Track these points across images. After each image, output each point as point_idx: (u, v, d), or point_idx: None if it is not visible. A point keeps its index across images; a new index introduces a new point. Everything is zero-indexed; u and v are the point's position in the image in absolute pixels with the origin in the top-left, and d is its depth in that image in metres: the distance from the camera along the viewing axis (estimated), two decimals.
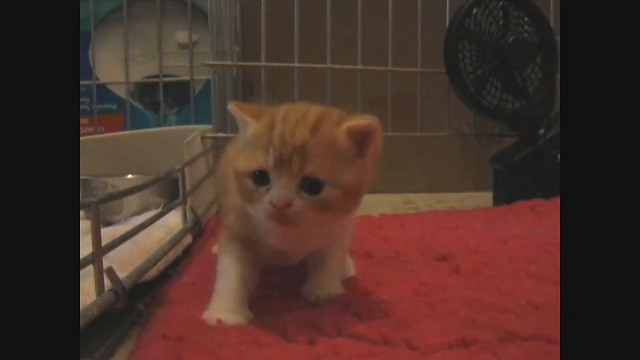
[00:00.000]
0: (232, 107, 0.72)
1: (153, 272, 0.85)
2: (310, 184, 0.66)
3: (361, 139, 0.68)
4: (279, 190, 0.66)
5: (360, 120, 0.68)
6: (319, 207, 0.66)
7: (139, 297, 0.83)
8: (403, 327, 0.70)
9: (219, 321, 0.72)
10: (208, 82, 1.72)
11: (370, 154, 0.69)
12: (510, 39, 1.69)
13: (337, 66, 1.72)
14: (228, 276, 0.76)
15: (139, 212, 1.24)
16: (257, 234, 0.75)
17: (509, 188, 1.68)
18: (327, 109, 0.71)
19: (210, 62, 1.63)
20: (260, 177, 0.67)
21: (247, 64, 1.77)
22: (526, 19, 1.72)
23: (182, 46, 1.83)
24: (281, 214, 0.66)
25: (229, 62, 1.67)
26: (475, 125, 1.94)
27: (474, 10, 1.69)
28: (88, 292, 0.69)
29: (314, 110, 0.69)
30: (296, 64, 1.66)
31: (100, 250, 0.69)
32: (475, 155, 2.15)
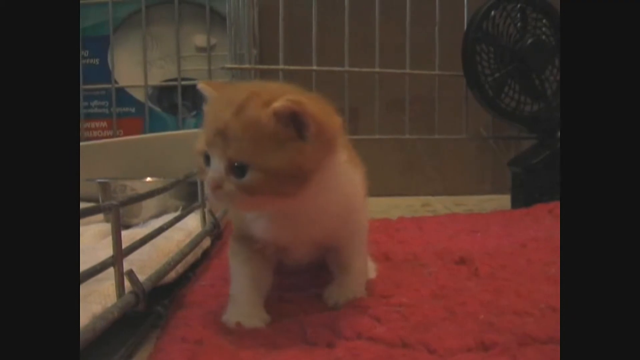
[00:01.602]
0: (201, 85, 0.72)
1: (172, 275, 0.86)
2: (237, 167, 0.64)
3: (293, 120, 0.64)
4: (211, 172, 0.66)
5: (285, 102, 0.63)
6: (246, 190, 0.64)
7: (158, 300, 0.83)
8: (421, 330, 0.70)
9: (238, 324, 0.72)
10: None
11: (313, 135, 0.65)
12: (529, 41, 1.68)
13: (355, 69, 1.72)
14: (239, 279, 0.77)
15: (157, 215, 1.25)
16: (249, 226, 0.76)
17: (527, 191, 1.67)
18: (268, 88, 0.69)
19: (229, 65, 1.63)
20: (207, 157, 0.67)
21: (265, 67, 1.77)
22: (544, 20, 1.71)
23: (200, 50, 1.83)
24: (215, 196, 0.66)
25: (247, 66, 1.68)
26: (493, 127, 1.93)
27: (492, 12, 1.68)
28: (108, 295, 0.70)
29: (247, 90, 0.67)
30: (314, 67, 1.67)
31: (120, 253, 0.69)
32: (493, 158, 2.14)
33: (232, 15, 1.66)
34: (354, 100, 1.76)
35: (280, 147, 0.64)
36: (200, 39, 1.83)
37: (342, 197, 0.74)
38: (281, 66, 1.64)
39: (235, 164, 0.64)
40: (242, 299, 0.75)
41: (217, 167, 0.65)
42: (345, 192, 0.75)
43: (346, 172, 0.75)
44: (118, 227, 0.70)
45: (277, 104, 0.63)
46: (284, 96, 0.64)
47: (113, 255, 0.69)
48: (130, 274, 0.69)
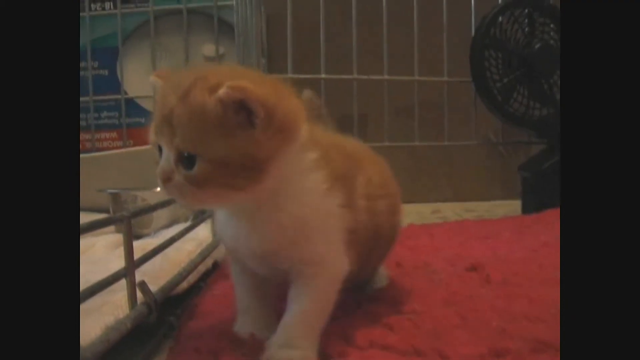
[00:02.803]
0: (151, 78, 0.66)
1: (183, 285, 0.86)
2: (186, 158, 0.59)
3: (242, 106, 0.58)
4: (161, 162, 0.61)
5: (229, 88, 0.57)
6: (195, 182, 0.59)
7: (170, 310, 0.83)
8: (434, 337, 0.69)
9: (252, 335, 0.71)
10: None
11: (263, 122, 0.58)
12: (537, 46, 1.69)
13: (364, 77, 1.72)
14: (241, 290, 0.75)
15: (168, 225, 1.25)
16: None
17: (538, 196, 1.67)
18: (217, 72, 0.62)
19: None
20: (160, 148, 0.62)
21: (274, 76, 1.77)
22: (552, 25, 1.71)
23: (208, 59, 1.84)
24: (165, 189, 0.61)
25: None
26: (503, 133, 1.93)
27: (500, 18, 1.69)
28: (121, 306, 0.70)
29: (193, 74, 0.61)
30: (323, 75, 1.67)
31: (132, 264, 0.70)
32: (503, 163, 2.14)
33: (241, 24, 1.67)
34: (363, 108, 1.76)
35: (229, 135, 0.58)
36: (208, 49, 1.83)
37: (295, 206, 0.64)
38: (290, 75, 1.65)
39: (185, 154, 0.59)
40: (250, 310, 0.74)
41: (166, 158, 0.60)
42: (301, 201, 0.65)
43: (310, 176, 0.65)
44: (130, 238, 0.70)
45: (222, 91, 0.57)
46: (230, 81, 0.58)
47: (125, 267, 0.69)
48: (143, 285, 0.69)
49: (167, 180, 0.60)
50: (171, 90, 0.60)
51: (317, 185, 0.65)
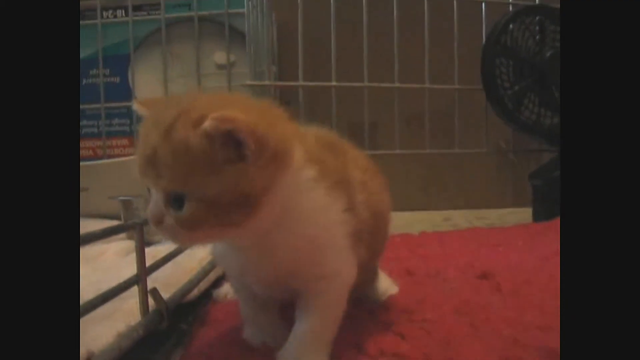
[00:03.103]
0: (135, 105, 0.63)
1: (194, 292, 0.86)
2: (172, 199, 0.55)
3: (229, 139, 0.54)
4: (150, 205, 0.57)
5: (215, 120, 0.53)
6: (186, 224, 0.55)
7: (181, 317, 0.83)
8: (445, 346, 0.69)
9: (264, 344, 0.71)
10: None
11: (254, 153, 0.54)
12: (548, 54, 1.69)
13: (375, 84, 1.72)
14: (244, 302, 0.74)
15: None
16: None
17: (549, 204, 1.66)
18: (201, 103, 0.57)
19: (249, 82, 1.64)
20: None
21: (285, 83, 1.78)
22: None
23: (220, 67, 1.84)
24: (159, 231, 0.57)
25: (267, 82, 1.68)
26: (514, 141, 1.93)
27: (511, 25, 1.68)
28: (132, 313, 0.70)
29: (176, 108, 0.56)
30: (333, 83, 1.67)
31: (144, 271, 0.70)
32: (514, 171, 2.13)
33: (252, 32, 1.67)
34: (374, 115, 1.76)
35: (218, 171, 0.54)
36: (219, 56, 1.84)
37: (303, 226, 0.62)
38: (301, 82, 1.65)
39: (173, 194, 0.55)
40: (256, 320, 0.73)
41: (155, 199, 0.56)
42: (308, 221, 0.62)
43: (312, 197, 0.62)
44: (142, 245, 0.70)
45: (207, 124, 0.53)
46: (214, 112, 0.53)
47: (137, 274, 0.69)
48: (154, 292, 0.70)
49: (157, 223, 0.57)
50: (153, 127, 0.56)
51: (319, 200, 0.62)
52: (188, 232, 0.56)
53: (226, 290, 0.93)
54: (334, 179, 0.64)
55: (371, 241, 0.71)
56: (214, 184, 0.54)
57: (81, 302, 0.75)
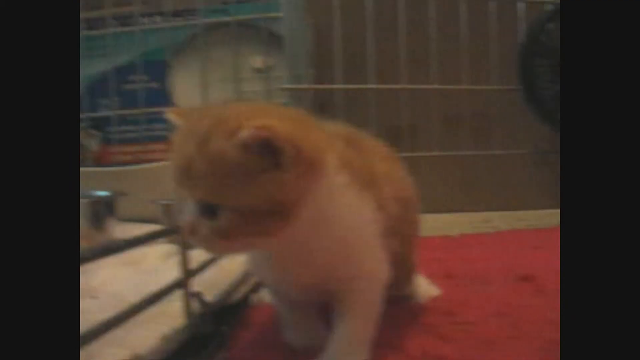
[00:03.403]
0: (168, 114, 0.64)
1: (236, 295, 0.87)
2: (207, 208, 0.56)
3: (265, 148, 0.54)
4: (184, 213, 0.58)
5: (252, 129, 0.53)
6: (221, 234, 0.56)
7: (222, 320, 0.84)
8: (488, 348, 0.69)
9: (304, 346, 0.71)
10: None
11: (291, 162, 0.54)
12: None
13: (412, 86, 1.72)
14: (282, 306, 0.75)
15: None
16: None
17: None
18: (235, 112, 0.57)
19: (287, 86, 1.65)
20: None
21: (323, 86, 1.78)
22: None
23: (257, 71, 1.85)
24: (193, 241, 0.59)
25: (305, 86, 1.69)
26: (553, 140, 1.91)
27: (549, 25, 1.67)
28: (176, 316, 0.71)
29: (211, 118, 0.56)
30: (371, 85, 1.67)
31: (188, 275, 0.70)
32: (554, 171, 2.11)
33: (289, 36, 1.68)
34: (412, 118, 1.76)
35: (253, 180, 0.54)
36: (257, 61, 1.84)
37: (338, 230, 0.62)
38: (338, 85, 1.65)
39: (208, 204, 0.56)
40: (295, 323, 0.74)
41: (189, 209, 0.57)
42: (343, 224, 0.62)
43: (345, 199, 0.62)
44: (185, 249, 0.71)
45: (243, 133, 0.53)
46: (251, 121, 0.53)
47: (181, 277, 0.70)
48: (198, 295, 0.70)
49: (192, 233, 0.57)
50: (188, 137, 0.56)
51: (351, 203, 0.63)
52: (223, 241, 0.56)
53: (264, 294, 0.94)
54: (363, 181, 0.64)
55: (402, 230, 0.72)
56: (249, 194, 0.54)
57: (124, 304, 0.76)
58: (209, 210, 0.56)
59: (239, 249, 0.62)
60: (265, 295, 0.95)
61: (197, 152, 0.54)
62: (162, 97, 1.86)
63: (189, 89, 1.86)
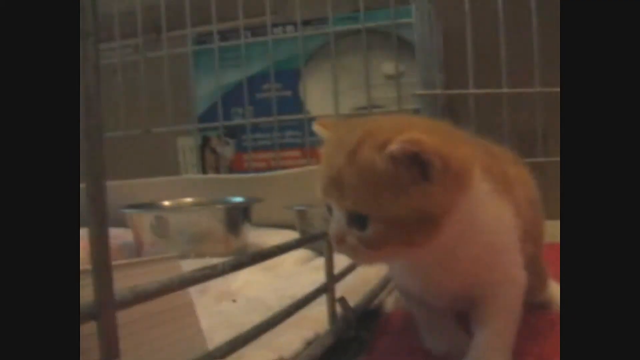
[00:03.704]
0: (315, 126, 0.66)
1: (375, 301, 0.87)
2: (356, 219, 0.57)
3: (414, 161, 0.54)
4: (332, 223, 0.59)
5: (402, 143, 0.54)
6: (369, 244, 0.57)
7: (362, 325, 0.84)
8: None
9: (445, 352, 0.71)
10: (414, 111, 1.73)
11: (439, 174, 0.55)
12: None
13: (547, 89, 1.67)
14: (420, 312, 0.75)
15: None
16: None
17: None
18: (383, 126, 0.58)
19: (419, 91, 1.64)
20: (329, 206, 0.61)
21: (455, 92, 1.76)
22: None
23: (388, 77, 1.85)
24: (339, 250, 0.60)
25: (437, 91, 1.67)
26: None
27: None
28: (320, 321, 0.72)
29: (360, 131, 0.58)
30: (504, 90, 1.64)
31: (333, 280, 0.71)
32: None
33: (421, 41, 1.67)
34: (546, 122, 1.71)
35: (402, 192, 0.55)
36: (388, 67, 1.84)
37: (484, 236, 0.63)
38: (471, 90, 1.63)
39: (355, 215, 0.57)
40: (435, 328, 0.74)
41: (337, 219, 0.59)
42: (488, 230, 0.63)
43: (489, 207, 0.63)
44: (331, 254, 0.72)
45: (393, 146, 0.54)
46: (400, 135, 0.54)
47: (326, 282, 0.71)
48: (343, 300, 0.71)
49: (340, 242, 0.59)
50: (338, 149, 0.58)
51: (495, 210, 0.63)
52: (370, 251, 0.57)
53: (395, 300, 0.94)
54: (502, 186, 0.65)
55: (534, 234, 0.73)
56: (398, 205, 0.55)
57: (265, 307, 0.78)
58: (357, 220, 0.57)
59: (386, 259, 0.64)
60: (397, 302, 0.95)
61: (346, 164, 0.56)
62: (294, 105, 1.89)
63: (320, 97, 1.88)
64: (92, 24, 0.35)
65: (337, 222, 0.58)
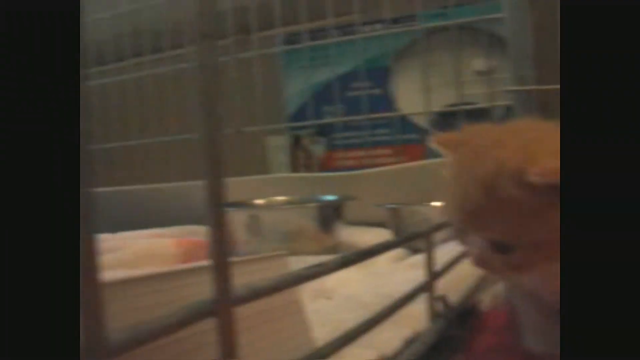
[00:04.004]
0: (434, 143, 0.65)
1: (473, 299, 0.87)
2: (500, 246, 0.57)
3: (555, 189, 0.53)
4: (473, 248, 0.60)
5: (539, 176, 0.54)
6: (514, 267, 0.58)
7: (460, 323, 0.84)
8: None
9: (546, 353, 0.70)
10: (506, 108, 1.71)
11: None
12: None
13: None
14: (525, 308, 0.73)
15: (444, 240, 1.26)
16: None
17: None
18: (514, 148, 0.57)
19: (511, 87, 1.62)
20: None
21: (547, 87, 1.73)
22: None
23: (479, 73, 1.83)
24: (480, 269, 0.61)
25: (530, 87, 1.65)
26: None
27: None
28: (418, 318, 0.72)
29: (490, 158, 0.57)
30: None
31: (433, 278, 0.71)
32: None
33: (512, 37, 1.65)
34: None
35: (542, 217, 0.56)
36: (479, 63, 1.82)
37: None
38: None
39: (497, 241, 0.58)
40: (538, 326, 0.73)
41: (478, 244, 0.59)
42: None
43: None
44: (430, 252, 0.72)
45: (531, 178, 0.54)
46: (536, 164, 0.54)
47: (427, 280, 0.71)
48: (444, 298, 0.71)
49: (482, 266, 0.60)
50: (471, 181, 0.57)
51: None
52: (516, 273, 0.59)
53: (492, 297, 0.93)
54: None
55: None
56: (540, 230, 0.56)
57: (360, 305, 0.79)
58: (501, 247, 0.57)
59: (534, 281, 0.64)
60: (493, 299, 0.94)
61: (485, 199, 0.56)
62: (385, 103, 1.89)
63: (410, 94, 1.87)
64: (210, 25, 0.36)
65: (479, 247, 0.59)
